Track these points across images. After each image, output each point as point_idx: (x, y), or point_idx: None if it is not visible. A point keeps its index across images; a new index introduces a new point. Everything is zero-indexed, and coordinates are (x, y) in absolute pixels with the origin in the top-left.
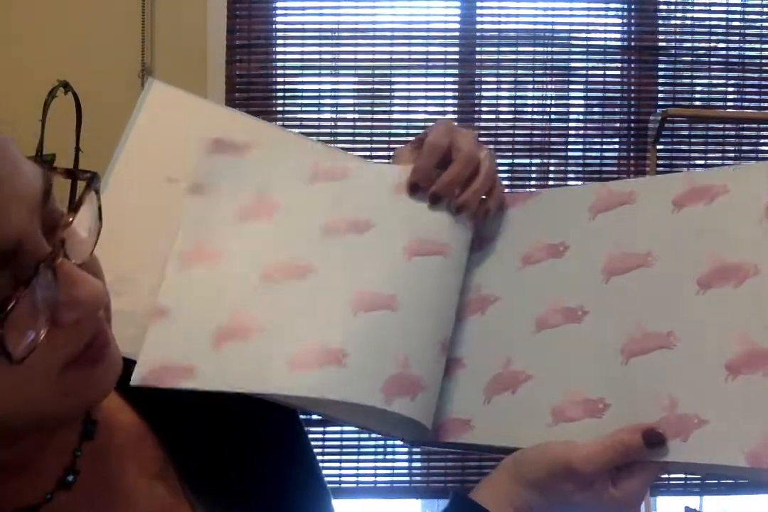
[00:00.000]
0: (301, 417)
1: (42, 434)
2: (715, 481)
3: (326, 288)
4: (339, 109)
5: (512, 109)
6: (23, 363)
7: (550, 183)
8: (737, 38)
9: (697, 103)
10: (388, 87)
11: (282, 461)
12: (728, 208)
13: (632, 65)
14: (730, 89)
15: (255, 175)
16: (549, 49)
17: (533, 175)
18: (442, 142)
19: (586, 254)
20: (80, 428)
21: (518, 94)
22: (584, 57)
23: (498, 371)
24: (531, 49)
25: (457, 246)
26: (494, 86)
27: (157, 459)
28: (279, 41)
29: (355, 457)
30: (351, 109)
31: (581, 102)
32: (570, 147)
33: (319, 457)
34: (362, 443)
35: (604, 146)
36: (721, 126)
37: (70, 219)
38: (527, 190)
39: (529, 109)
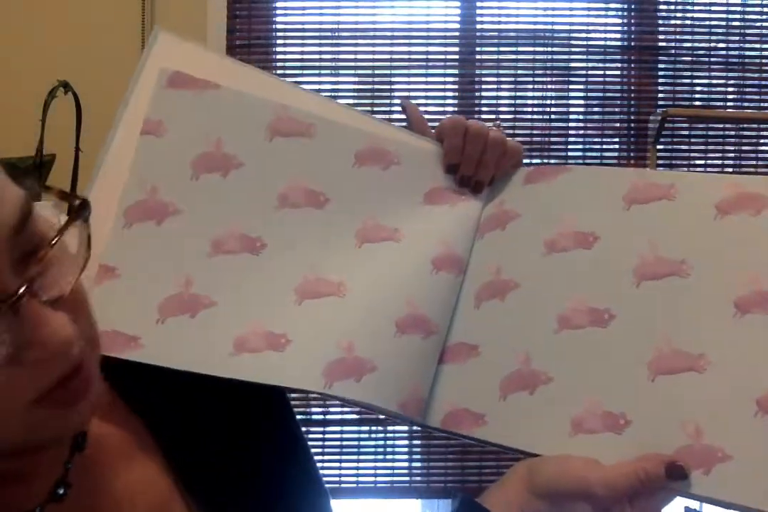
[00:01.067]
0: (301, 417)
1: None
2: None
3: (276, 269)
4: None
5: (512, 109)
6: None
7: None
8: (737, 38)
9: (697, 103)
10: (388, 87)
11: (277, 458)
12: None
13: (632, 65)
14: (730, 89)
15: (212, 116)
16: (549, 49)
17: None
18: (460, 123)
19: (618, 250)
20: (71, 440)
21: (518, 94)
22: (584, 57)
23: (516, 367)
24: (531, 49)
25: (411, 229)
26: (494, 86)
27: (152, 457)
28: (279, 41)
29: (355, 457)
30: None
31: (581, 102)
32: (570, 147)
33: (318, 457)
34: (362, 443)
35: (604, 146)
36: (721, 126)
37: (44, 253)
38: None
39: (529, 109)
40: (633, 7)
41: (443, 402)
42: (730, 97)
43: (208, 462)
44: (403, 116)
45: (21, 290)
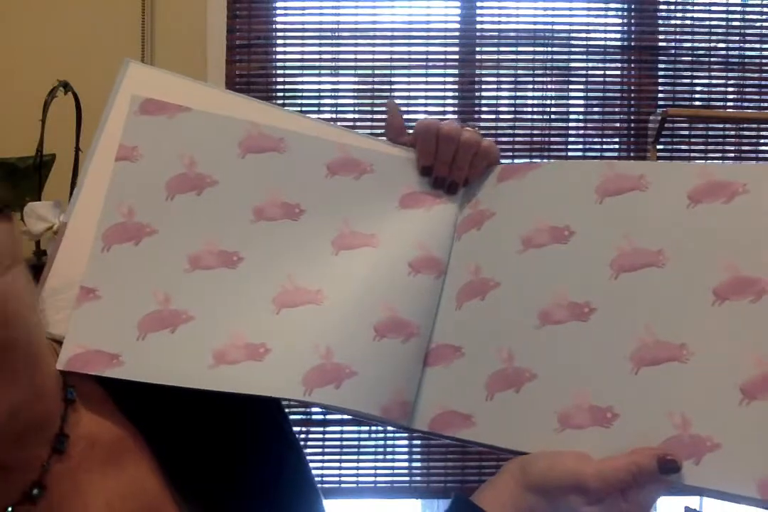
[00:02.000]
0: (300, 417)
1: (13, 443)
2: None
3: (253, 280)
4: (339, 109)
5: (512, 109)
6: None
7: None
8: (737, 38)
9: (697, 103)
10: (388, 87)
11: (269, 460)
12: (747, 210)
13: (632, 65)
14: (730, 89)
15: (186, 141)
16: (549, 49)
17: None
18: (432, 125)
19: (594, 243)
20: (52, 443)
21: (518, 94)
22: (584, 57)
23: (501, 366)
24: (531, 49)
25: (388, 234)
26: (494, 86)
27: (142, 460)
28: (279, 41)
29: (355, 457)
30: (351, 109)
31: (581, 102)
32: (570, 147)
33: (318, 457)
34: (362, 443)
35: (604, 146)
36: (721, 126)
37: None
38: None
39: (529, 109)
40: (633, 7)
41: (430, 404)
42: (730, 97)
43: (199, 464)
44: (403, 116)
45: None
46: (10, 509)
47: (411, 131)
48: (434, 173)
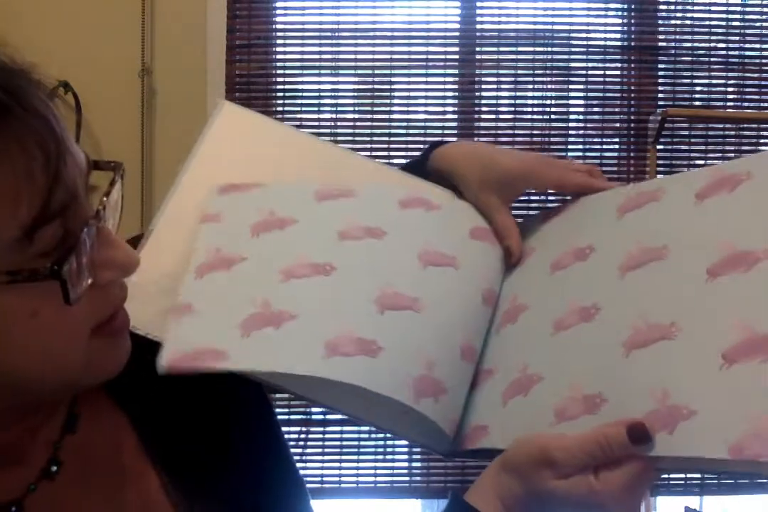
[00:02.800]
0: (300, 417)
1: (30, 420)
2: (715, 481)
3: (350, 284)
4: (339, 109)
5: (512, 109)
6: (68, 315)
7: None
8: (737, 38)
9: (697, 103)
10: (388, 87)
11: (259, 453)
12: (749, 193)
13: (632, 65)
14: (730, 89)
15: (263, 202)
16: (549, 49)
17: None
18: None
19: (609, 253)
20: (63, 421)
21: (518, 94)
22: (584, 57)
23: (516, 376)
24: (531, 49)
25: (466, 260)
26: (494, 86)
27: (136, 454)
28: (279, 41)
29: (355, 457)
30: (351, 109)
31: (581, 102)
32: (570, 147)
33: (318, 457)
34: (362, 443)
35: (604, 146)
36: (721, 126)
37: (108, 189)
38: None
39: (529, 109)
40: (633, 7)
41: (466, 425)
42: (730, 97)
43: (190, 455)
44: (403, 116)
45: (98, 211)
46: (33, 486)
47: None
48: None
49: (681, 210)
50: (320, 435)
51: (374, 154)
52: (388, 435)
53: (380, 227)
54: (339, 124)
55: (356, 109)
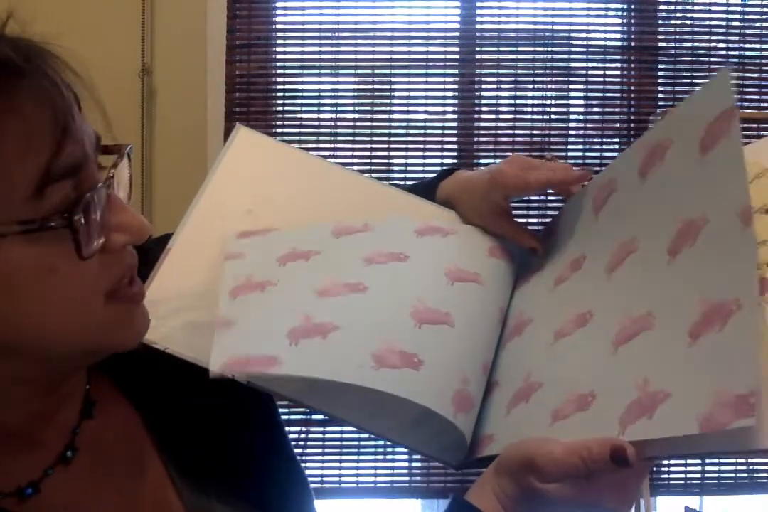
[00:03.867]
0: (300, 417)
1: (45, 402)
2: (715, 481)
3: (385, 299)
4: (339, 109)
5: (512, 109)
6: (83, 272)
7: None
8: (737, 38)
9: None
10: (388, 87)
11: (268, 452)
12: (676, 158)
13: (632, 65)
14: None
15: (284, 241)
16: (549, 49)
17: None
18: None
19: (597, 257)
20: (80, 407)
21: (518, 94)
22: (584, 57)
23: (520, 385)
24: (531, 49)
25: (488, 277)
26: (494, 86)
27: (146, 447)
28: (279, 41)
29: (355, 457)
30: (351, 109)
31: (581, 102)
32: (570, 147)
33: (318, 457)
34: (362, 443)
35: (604, 146)
36: None
37: (119, 160)
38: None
39: (529, 109)
40: (633, 7)
41: (476, 437)
42: None
43: (198, 455)
44: (403, 116)
45: (108, 176)
46: (50, 471)
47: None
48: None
49: (633, 194)
50: (320, 435)
51: (374, 154)
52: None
53: (403, 252)
54: (339, 124)
55: (356, 109)
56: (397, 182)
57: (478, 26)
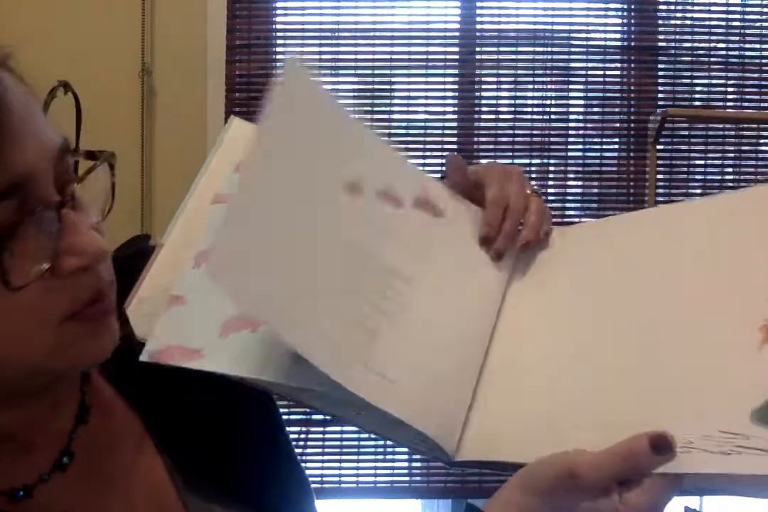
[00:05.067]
0: (300, 417)
1: (30, 408)
2: None
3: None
4: None
5: (512, 109)
6: (21, 301)
7: (550, 183)
8: (737, 38)
9: (697, 103)
10: (388, 87)
11: (263, 450)
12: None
13: (632, 65)
14: (730, 89)
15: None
16: (549, 49)
17: (533, 175)
18: (503, 197)
19: None
20: (75, 412)
21: (518, 94)
22: (584, 57)
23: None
24: (531, 49)
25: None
26: (494, 86)
27: (145, 449)
28: (279, 41)
29: (355, 457)
30: (351, 109)
31: (581, 102)
32: (570, 147)
33: (318, 457)
34: (362, 443)
35: (604, 146)
36: (721, 126)
37: (84, 174)
38: None
39: (529, 109)
40: (633, 7)
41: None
42: (730, 97)
43: (197, 450)
44: (403, 116)
45: (65, 197)
46: (46, 477)
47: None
48: (494, 246)
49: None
50: (320, 435)
51: None
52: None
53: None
54: None
55: (356, 109)
56: None
57: (478, 26)
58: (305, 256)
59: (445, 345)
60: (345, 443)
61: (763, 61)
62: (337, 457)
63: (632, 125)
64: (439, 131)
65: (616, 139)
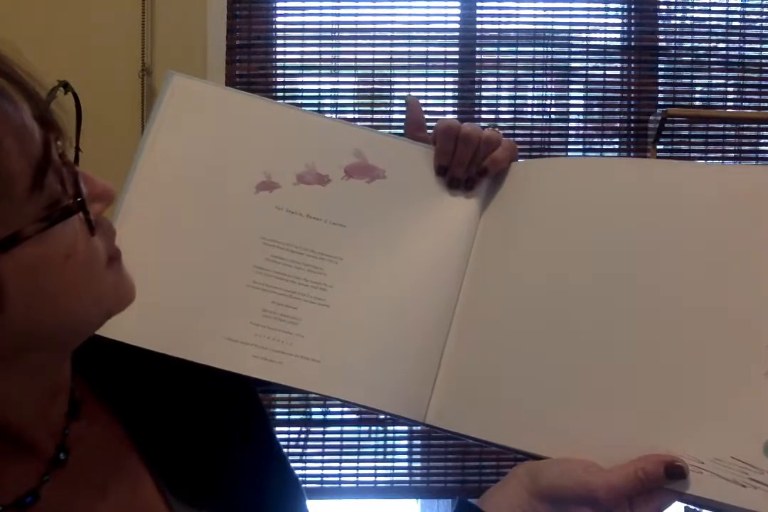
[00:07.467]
0: (300, 417)
1: (43, 398)
2: None
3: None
4: (339, 109)
5: (512, 109)
6: (94, 247)
7: None
8: (737, 38)
9: (697, 103)
10: (388, 87)
11: (250, 451)
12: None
13: (632, 65)
14: (730, 89)
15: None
16: (549, 49)
17: None
18: (453, 125)
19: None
20: (66, 408)
21: (518, 94)
22: (584, 57)
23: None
24: (531, 49)
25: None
26: (494, 86)
27: (129, 452)
28: (279, 41)
29: (355, 457)
30: (351, 109)
31: (581, 102)
32: (570, 147)
33: (318, 457)
34: (362, 443)
35: (604, 146)
36: (721, 126)
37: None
38: None
39: (529, 109)
40: (633, 7)
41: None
42: (730, 97)
43: (183, 457)
44: (403, 116)
45: (64, 154)
46: (46, 477)
47: (431, 130)
48: (449, 173)
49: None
50: (320, 435)
51: None
52: (387, 435)
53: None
54: None
55: (356, 109)
56: None
57: (478, 26)
58: (201, 268)
59: (396, 315)
60: (345, 443)
61: (763, 61)
62: (337, 457)
63: (632, 125)
64: None
65: (617, 139)
